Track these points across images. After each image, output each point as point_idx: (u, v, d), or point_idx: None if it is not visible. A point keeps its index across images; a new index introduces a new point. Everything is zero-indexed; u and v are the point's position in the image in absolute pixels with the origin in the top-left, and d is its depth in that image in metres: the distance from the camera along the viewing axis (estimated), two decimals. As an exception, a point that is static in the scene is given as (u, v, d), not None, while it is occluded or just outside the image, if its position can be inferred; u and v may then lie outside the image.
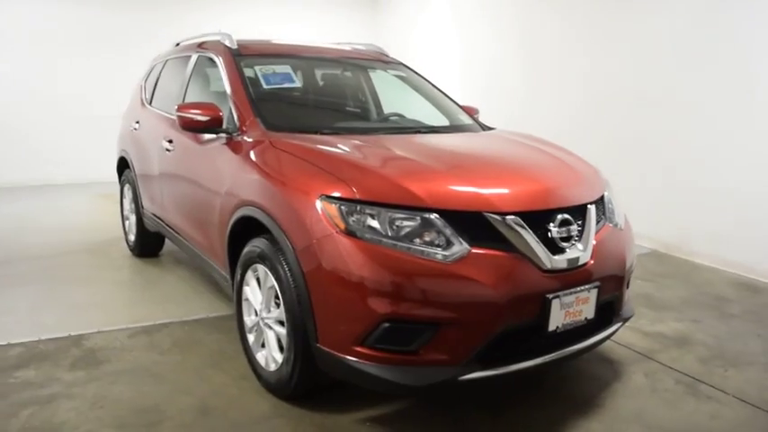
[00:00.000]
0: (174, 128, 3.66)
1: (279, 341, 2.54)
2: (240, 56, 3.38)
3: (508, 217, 2.21)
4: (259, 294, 2.67)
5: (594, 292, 2.40)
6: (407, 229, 2.15)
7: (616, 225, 2.69)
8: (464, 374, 2.15)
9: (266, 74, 3.25)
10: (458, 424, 2.44)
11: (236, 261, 2.82)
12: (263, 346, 2.70)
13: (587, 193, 2.57)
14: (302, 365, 2.37)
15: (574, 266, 2.32)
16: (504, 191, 2.32)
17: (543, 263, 2.23)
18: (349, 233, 2.14)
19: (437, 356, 2.12)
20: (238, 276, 2.79)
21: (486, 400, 2.61)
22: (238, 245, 2.82)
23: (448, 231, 2.14)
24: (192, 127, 3.03)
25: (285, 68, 3.37)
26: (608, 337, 2.65)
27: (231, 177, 2.82)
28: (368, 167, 2.33)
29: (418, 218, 2.16)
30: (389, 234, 2.14)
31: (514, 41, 7.10)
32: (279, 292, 2.44)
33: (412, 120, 3.56)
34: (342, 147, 2.58)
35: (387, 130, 3.18)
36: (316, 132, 2.87)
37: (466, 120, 3.61)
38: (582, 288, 2.34)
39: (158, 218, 4.13)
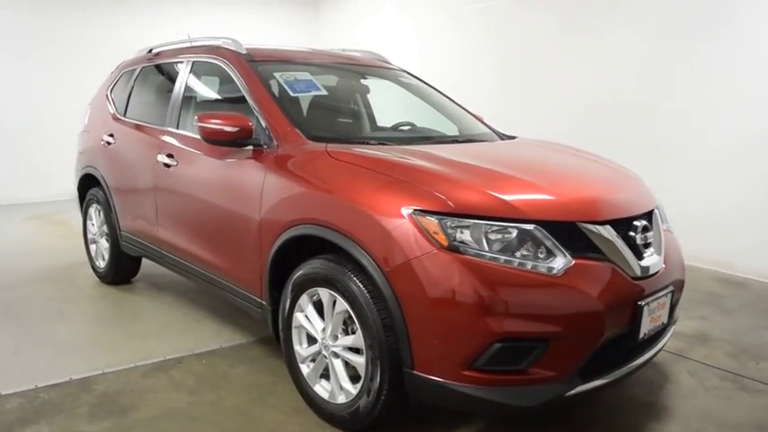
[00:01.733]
0: (177, 141, 3.32)
1: (345, 369, 2.35)
2: (254, 62, 3.13)
3: (603, 226, 2.16)
4: (319, 321, 2.45)
5: (669, 297, 2.41)
6: (507, 243, 2.04)
7: (668, 229, 2.72)
8: (570, 390, 2.07)
9: (289, 81, 3.02)
10: (545, 442, 2.35)
11: (279, 285, 2.60)
12: (322, 376, 2.48)
13: (651, 199, 2.59)
14: (388, 395, 2.18)
15: (654, 272, 2.31)
16: (594, 200, 2.27)
17: (633, 270, 2.20)
18: (452, 249, 2.00)
19: (545, 373, 2.03)
20: (287, 303, 2.55)
21: (556, 411, 2.55)
22: (281, 268, 2.60)
23: (549, 243, 2.05)
24: (217, 139, 2.75)
25: (305, 75, 3.15)
26: (667, 341, 2.67)
27: (273, 194, 2.57)
28: (456, 179, 2.19)
29: (517, 230, 2.05)
30: (489, 248, 2.02)
31: (479, 42, 7.10)
32: (354, 317, 2.24)
33: (427, 129, 3.44)
34: (410, 158, 2.42)
35: (428, 140, 3.03)
36: (361, 143, 2.69)
37: (483, 128, 3.55)
38: (662, 293, 2.34)
39: (145, 240, 3.73)
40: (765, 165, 4.59)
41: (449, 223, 2.03)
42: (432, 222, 2.03)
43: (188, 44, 3.70)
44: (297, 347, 2.56)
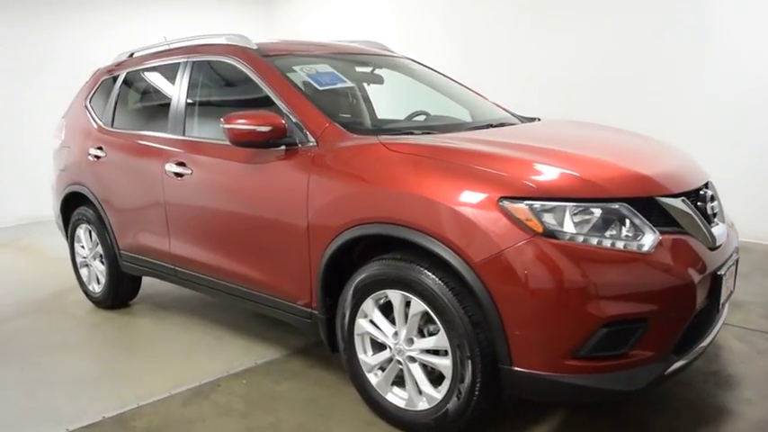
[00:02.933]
0: (188, 148, 3.07)
1: (424, 373, 2.22)
2: (268, 57, 2.92)
3: (679, 199, 2.11)
4: (388, 325, 2.30)
5: (735, 264, 2.39)
6: (596, 223, 1.96)
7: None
8: (668, 368, 2.02)
9: (313, 74, 2.83)
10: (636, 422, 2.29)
11: (330, 293, 2.45)
12: (393, 384, 2.34)
13: (704, 169, 2.56)
14: (481, 395, 2.06)
15: (722, 241, 2.28)
16: (666, 174, 2.21)
17: (710, 241, 2.16)
18: (548, 235, 1.89)
19: (645, 354, 1.96)
20: (347, 309, 2.39)
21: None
22: (333, 274, 2.44)
23: (637, 220, 1.98)
24: (249, 141, 2.55)
25: (326, 68, 2.97)
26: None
27: (323, 196, 2.39)
28: (534, 162, 2.08)
29: (605, 209, 1.97)
30: (581, 231, 1.93)
31: (443, 31, 7.04)
32: (435, 316, 2.10)
33: (448, 117, 3.31)
34: (473, 144, 2.29)
35: (462, 126, 2.89)
36: (406, 133, 2.54)
37: (501, 111, 3.45)
38: (730, 261, 2.31)
39: (152, 258, 3.46)
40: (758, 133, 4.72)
41: (539, 208, 1.92)
42: (522, 209, 1.92)
43: (181, 44, 3.44)
44: (362, 356, 2.40)
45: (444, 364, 2.13)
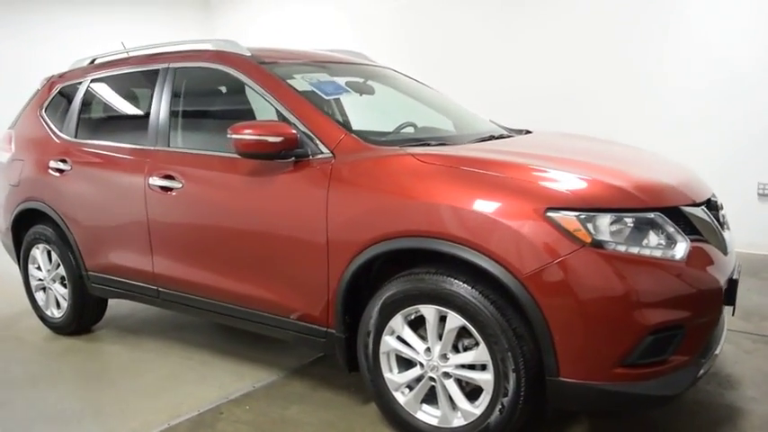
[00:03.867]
0: (178, 160, 2.87)
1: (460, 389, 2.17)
2: (265, 64, 2.79)
3: (699, 208, 2.19)
4: (419, 342, 2.22)
5: (740, 270, 2.51)
6: (636, 233, 1.99)
7: None
8: (699, 371, 2.08)
9: (315, 83, 2.73)
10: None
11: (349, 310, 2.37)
12: (424, 401, 2.27)
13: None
14: (524, 407, 2.04)
15: (731, 248, 2.39)
16: (686, 184, 2.29)
17: (724, 247, 2.25)
18: (596, 245, 1.90)
19: (681, 359, 2.02)
20: (372, 327, 2.29)
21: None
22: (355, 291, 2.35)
23: (671, 229, 2.03)
24: (258, 152, 2.42)
25: (326, 77, 2.87)
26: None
27: (345, 210, 2.28)
28: (572, 174, 2.08)
29: (643, 219, 2.00)
30: (623, 240, 1.96)
31: (390, 39, 7.04)
32: (476, 331, 2.06)
33: (433, 128, 3.27)
34: (499, 155, 2.28)
35: (466, 138, 2.83)
36: (422, 144, 2.49)
37: (490, 123, 3.46)
38: (737, 267, 2.42)
39: (129, 279, 3.20)
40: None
41: (585, 219, 1.93)
42: (571, 219, 1.92)
43: (157, 51, 3.23)
44: (388, 375, 2.31)
45: (485, 378, 2.09)
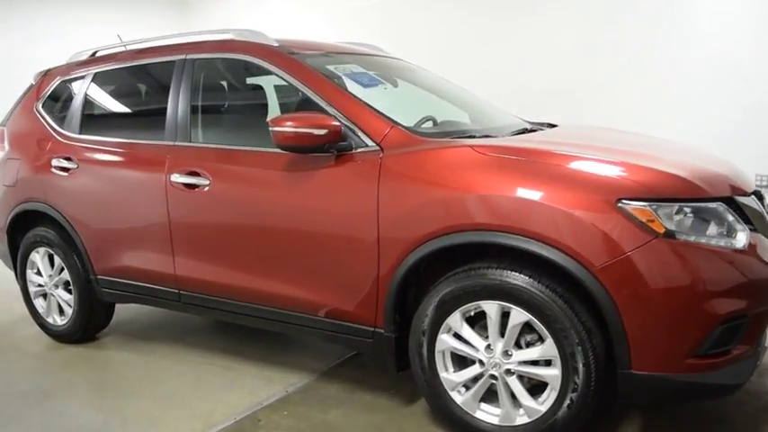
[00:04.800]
0: (204, 156, 2.73)
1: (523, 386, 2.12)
2: (295, 54, 2.68)
3: (750, 197, 2.20)
4: (478, 339, 2.16)
5: None
6: (701, 223, 1.98)
7: None
8: (759, 359, 2.10)
9: (350, 75, 2.64)
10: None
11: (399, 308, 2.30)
12: (482, 400, 2.21)
13: None
14: (592, 402, 2.02)
15: None
16: (736, 174, 2.29)
17: None
18: (668, 236, 1.88)
19: (744, 348, 2.02)
20: (426, 325, 2.22)
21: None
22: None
23: (731, 219, 2.02)
24: (302, 145, 2.32)
25: (358, 68, 2.78)
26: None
27: (399, 205, 2.20)
28: (641, 164, 2.05)
29: (707, 209, 1.99)
30: (691, 230, 1.94)
31: (373, 41, 6.96)
32: (543, 326, 2.01)
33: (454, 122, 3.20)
34: (557, 147, 2.23)
35: (503, 131, 2.77)
36: (468, 137, 2.43)
37: (515, 118, 3.39)
38: None
39: (145, 282, 3.03)
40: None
41: (657, 209, 1.91)
42: (645, 210, 1.89)
43: (170, 42, 3.08)
44: (443, 374, 2.25)
45: (552, 374, 2.04)
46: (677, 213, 1.95)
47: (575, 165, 2.04)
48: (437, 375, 2.26)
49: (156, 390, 2.88)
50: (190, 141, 2.83)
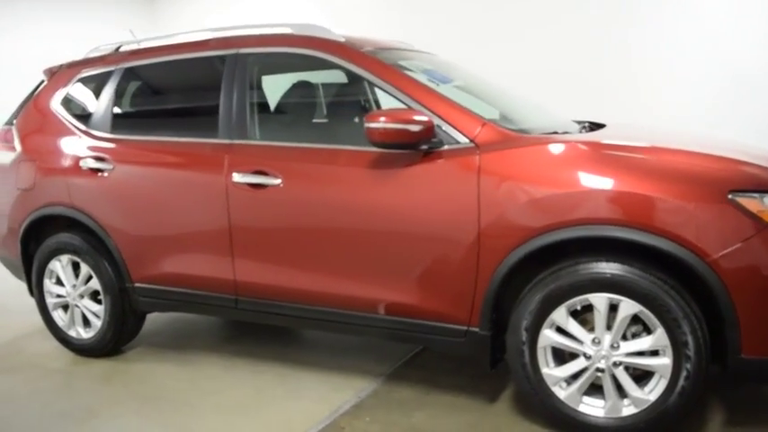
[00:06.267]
0: (276, 156, 2.61)
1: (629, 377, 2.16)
2: (365, 50, 2.63)
3: None
4: (583, 332, 2.19)
5: None
6: None
7: None
8: None
9: (423, 71, 2.61)
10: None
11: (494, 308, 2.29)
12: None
13: None
14: (700, 388, 2.09)
15: None
16: None
17: None
18: None
19: None
20: (528, 322, 2.22)
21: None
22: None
23: None
24: (398, 142, 2.28)
25: (425, 65, 2.75)
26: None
27: (504, 202, 2.19)
28: (737, 157, 2.14)
29: None
30: None
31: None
32: (654, 316, 2.06)
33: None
34: (653, 142, 2.30)
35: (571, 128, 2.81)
36: (551, 133, 2.46)
37: (561, 116, 3.36)
38: None
39: (193, 289, 2.87)
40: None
41: (764, 200, 2.00)
42: (754, 201, 1.97)
43: (216, 35, 2.94)
44: (545, 370, 2.25)
45: (662, 363, 2.09)
46: None
47: (684, 159, 2.11)
48: (539, 371, 2.26)
49: (216, 401, 2.73)
50: (249, 139, 2.72)
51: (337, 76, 2.89)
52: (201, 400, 2.75)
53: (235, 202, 2.68)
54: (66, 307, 3.26)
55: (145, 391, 2.89)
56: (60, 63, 3.42)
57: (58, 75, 3.34)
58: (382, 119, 2.26)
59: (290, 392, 2.77)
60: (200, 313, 3.00)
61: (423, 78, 2.58)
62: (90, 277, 3.14)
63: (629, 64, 5.43)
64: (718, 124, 4.84)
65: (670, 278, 2.06)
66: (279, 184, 2.57)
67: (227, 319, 3.02)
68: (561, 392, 2.25)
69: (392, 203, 2.39)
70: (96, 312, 3.16)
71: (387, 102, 3.20)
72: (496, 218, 2.21)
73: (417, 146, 2.30)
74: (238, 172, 2.65)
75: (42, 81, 3.41)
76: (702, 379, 2.07)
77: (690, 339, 2.03)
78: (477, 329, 2.34)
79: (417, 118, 2.26)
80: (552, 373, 2.25)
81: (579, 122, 3.15)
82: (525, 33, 5.83)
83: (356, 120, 2.97)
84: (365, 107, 3.14)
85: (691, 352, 2.04)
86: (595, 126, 2.91)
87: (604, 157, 2.16)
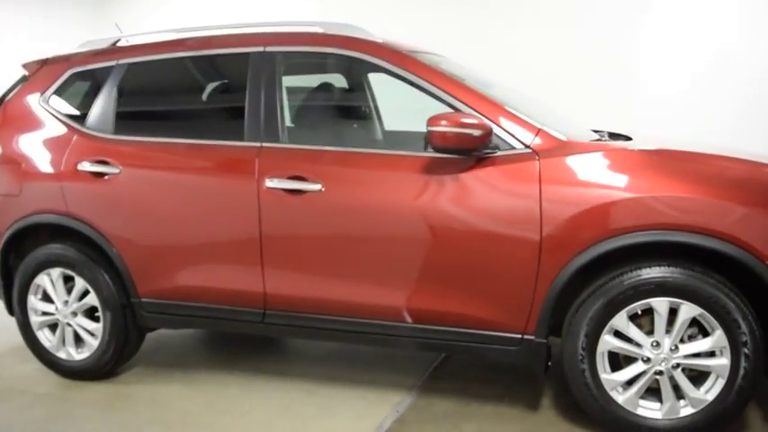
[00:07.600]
0: (313, 160, 2.48)
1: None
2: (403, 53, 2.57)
3: None
4: (642, 336, 2.21)
5: None
6: None
7: None
8: None
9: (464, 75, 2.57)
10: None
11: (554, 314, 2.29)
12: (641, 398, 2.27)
13: None
14: (757, 386, 2.16)
15: None
16: None
17: None
18: None
19: None
20: (587, 328, 2.23)
21: None
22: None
23: None
24: (459, 147, 2.24)
25: (463, 68, 2.71)
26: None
27: (567, 208, 2.19)
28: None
29: None
30: None
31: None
32: (714, 318, 2.12)
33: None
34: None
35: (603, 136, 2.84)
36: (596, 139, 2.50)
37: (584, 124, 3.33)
38: None
39: (212, 303, 2.67)
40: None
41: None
42: None
43: (238, 31, 2.78)
44: (603, 375, 2.26)
45: (720, 363, 2.16)
46: None
47: (741, 166, 2.21)
48: (597, 377, 2.27)
49: (243, 422, 2.54)
50: (281, 142, 2.57)
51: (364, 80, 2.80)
52: (229, 422, 2.55)
53: (267, 208, 2.51)
54: (54, 326, 2.94)
55: (160, 415, 2.64)
56: (41, 58, 3.11)
57: (45, 70, 3.02)
58: (443, 122, 2.20)
59: (321, 410, 2.63)
60: (218, 329, 2.80)
61: (471, 82, 2.55)
62: (86, 292, 2.84)
63: (629, 72, 5.41)
64: (720, 132, 4.76)
65: (729, 281, 2.13)
66: (319, 190, 2.45)
67: (249, 333, 2.81)
68: (619, 397, 2.27)
69: (445, 210, 2.33)
70: (92, 331, 2.86)
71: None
72: (560, 224, 2.21)
73: (475, 151, 2.26)
74: (272, 177, 2.50)
75: (23, 77, 3.08)
76: (759, 377, 2.15)
77: (749, 339, 2.11)
78: (532, 337, 2.32)
79: (479, 122, 2.22)
80: (611, 377, 2.26)
81: (598, 132, 3.22)
82: (517, 40, 5.74)
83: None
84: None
85: (749, 351, 2.12)
86: (617, 137, 2.99)
87: (662, 163, 2.22)
